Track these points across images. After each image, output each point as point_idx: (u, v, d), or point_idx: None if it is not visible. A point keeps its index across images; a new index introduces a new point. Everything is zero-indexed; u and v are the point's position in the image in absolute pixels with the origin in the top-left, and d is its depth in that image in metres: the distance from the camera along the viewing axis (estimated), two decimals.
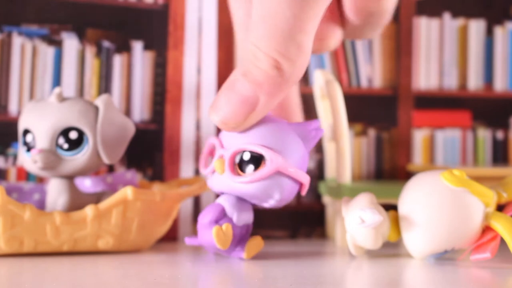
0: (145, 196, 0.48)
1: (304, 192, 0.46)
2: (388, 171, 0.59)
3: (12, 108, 0.53)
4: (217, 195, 0.51)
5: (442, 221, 0.45)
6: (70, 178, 0.48)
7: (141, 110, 0.55)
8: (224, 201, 0.46)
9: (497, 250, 0.45)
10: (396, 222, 0.47)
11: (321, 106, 0.56)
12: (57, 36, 0.54)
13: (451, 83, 0.61)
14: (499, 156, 0.61)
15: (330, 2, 0.42)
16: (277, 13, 0.41)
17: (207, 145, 0.48)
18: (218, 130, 0.54)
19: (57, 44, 0.54)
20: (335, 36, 0.48)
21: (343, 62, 0.59)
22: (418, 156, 0.60)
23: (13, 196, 0.50)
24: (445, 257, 0.48)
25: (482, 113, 0.61)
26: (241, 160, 0.45)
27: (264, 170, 0.44)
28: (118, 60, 0.55)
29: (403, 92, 0.60)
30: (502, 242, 0.46)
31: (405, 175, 0.59)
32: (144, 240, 0.49)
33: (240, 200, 0.46)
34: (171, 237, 0.55)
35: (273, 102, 0.44)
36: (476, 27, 0.61)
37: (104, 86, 0.55)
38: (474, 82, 0.61)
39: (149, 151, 0.55)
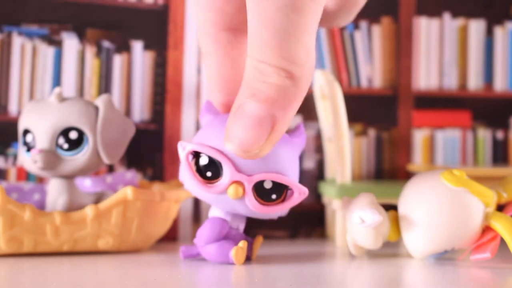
0: (145, 196, 0.48)
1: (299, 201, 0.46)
2: (388, 171, 0.59)
3: (12, 108, 0.53)
4: None
5: (442, 221, 0.45)
6: (70, 178, 0.48)
7: (141, 110, 0.55)
8: (226, 215, 0.45)
9: (497, 250, 0.45)
10: (396, 222, 0.47)
11: (321, 106, 0.56)
12: (57, 36, 0.54)
13: (451, 83, 0.60)
14: (499, 156, 0.61)
15: None
16: (278, 18, 0.38)
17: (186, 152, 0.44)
18: None
19: (57, 44, 0.54)
20: None
21: (343, 62, 0.59)
22: (418, 156, 0.60)
23: (13, 196, 0.50)
24: (445, 257, 0.48)
25: (482, 113, 0.61)
26: (261, 186, 0.44)
27: (294, 201, 0.44)
28: (118, 60, 0.55)
29: (403, 92, 0.60)
30: (502, 242, 0.46)
31: (405, 175, 0.59)
32: (144, 240, 0.49)
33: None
34: (171, 237, 0.55)
35: (290, 115, 0.40)
36: (476, 27, 0.61)
37: (104, 86, 0.55)
38: (474, 82, 0.61)
39: (149, 151, 0.55)
